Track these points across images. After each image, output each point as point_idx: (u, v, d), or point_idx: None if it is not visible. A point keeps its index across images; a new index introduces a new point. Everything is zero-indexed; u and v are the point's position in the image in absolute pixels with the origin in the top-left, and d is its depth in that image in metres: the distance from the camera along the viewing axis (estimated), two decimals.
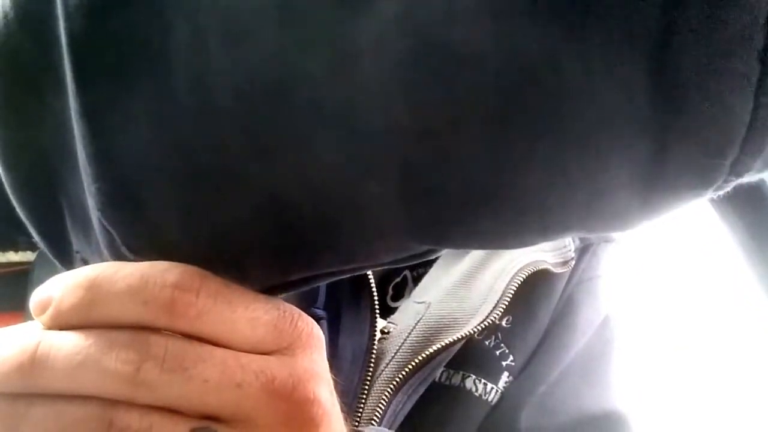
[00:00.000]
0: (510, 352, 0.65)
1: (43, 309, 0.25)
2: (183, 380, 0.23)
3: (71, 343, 0.24)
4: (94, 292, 0.24)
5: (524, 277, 0.62)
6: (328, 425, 0.26)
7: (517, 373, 0.65)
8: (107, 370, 0.23)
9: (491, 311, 0.60)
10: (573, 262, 0.66)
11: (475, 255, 0.65)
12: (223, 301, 0.25)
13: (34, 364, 0.24)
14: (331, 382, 0.28)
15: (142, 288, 0.24)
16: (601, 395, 0.65)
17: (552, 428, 0.62)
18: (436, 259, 0.68)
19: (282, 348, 0.26)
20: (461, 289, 0.63)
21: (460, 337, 0.58)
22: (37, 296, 0.25)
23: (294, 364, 0.26)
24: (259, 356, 0.25)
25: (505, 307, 0.60)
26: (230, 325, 0.25)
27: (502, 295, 0.60)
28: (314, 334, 0.28)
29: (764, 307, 0.80)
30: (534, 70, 0.19)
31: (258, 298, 0.26)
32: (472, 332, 0.59)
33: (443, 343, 0.54)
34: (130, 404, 0.23)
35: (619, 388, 0.67)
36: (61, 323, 0.25)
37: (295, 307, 0.27)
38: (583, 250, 0.72)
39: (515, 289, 0.61)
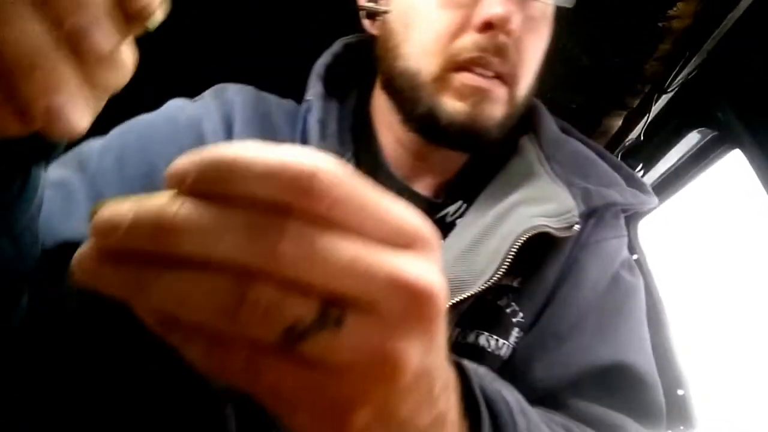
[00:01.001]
0: (520, 310, 0.70)
1: (180, 181, 0.25)
2: (316, 258, 0.24)
3: (211, 212, 0.24)
4: (235, 168, 0.24)
5: (525, 239, 0.65)
6: (440, 324, 0.28)
7: (528, 329, 0.70)
8: (246, 239, 0.24)
9: (494, 272, 0.64)
10: (578, 227, 0.69)
11: (486, 222, 0.69)
12: (357, 192, 0.25)
13: (173, 225, 0.24)
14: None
15: (283, 169, 0.24)
16: (612, 349, 0.68)
17: (565, 379, 0.66)
18: (453, 228, 0.72)
19: (405, 245, 0.27)
20: (470, 253, 0.67)
21: (465, 297, 0.63)
22: (173, 169, 0.25)
23: (417, 259, 0.26)
24: (385, 249, 0.26)
25: (507, 267, 0.64)
26: (361, 217, 0.25)
27: (504, 256, 0.64)
28: (433, 237, 0.28)
29: None
30: None
31: (384, 195, 0.26)
32: (477, 292, 0.63)
33: (449, 304, 0.55)
34: (263, 277, 0.24)
35: (630, 343, 0.70)
36: (201, 194, 0.25)
37: (413, 211, 0.28)
38: (588, 216, 0.74)
39: (516, 250, 0.64)
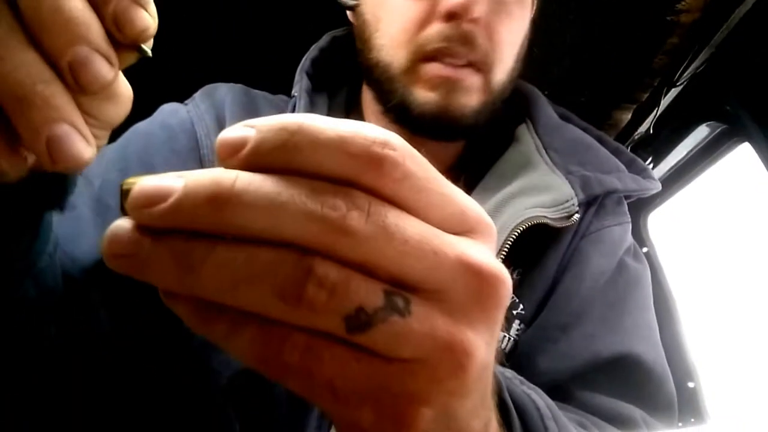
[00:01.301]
0: (520, 302, 0.68)
1: (234, 150, 0.23)
2: (385, 235, 0.22)
3: (272, 182, 0.22)
4: (300, 136, 0.23)
5: (520, 231, 0.64)
6: (504, 309, 0.26)
7: (529, 321, 0.68)
8: (313, 213, 0.22)
9: None
10: (577, 216, 0.67)
11: None
12: (423, 170, 0.24)
13: (230, 198, 0.22)
14: None
15: (352, 139, 0.23)
16: (618, 339, 0.66)
17: (569, 371, 0.64)
18: None
19: (466, 231, 0.26)
20: None
21: None
22: (227, 137, 0.23)
23: (480, 246, 0.25)
24: (450, 234, 0.25)
25: (503, 260, 0.61)
26: (427, 196, 0.24)
27: (499, 250, 0.63)
28: (490, 224, 0.27)
29: None
30: None
31: (445, 179, 0.25)
32: None
33: None
34: (327, 257, 0.22)
35: (637, 333, 0.68)
36: (258, 165, 0.23)
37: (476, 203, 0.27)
38: (589, 204, 0.72)
39: (511, 244, 0.63)
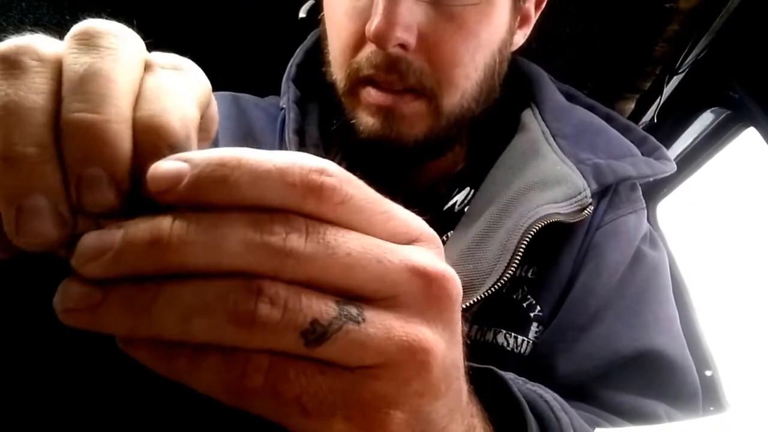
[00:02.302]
0: (537, 303, 0.65)
1: (168, 185, 0.23)
2: (327, 251, 0.23)
3: (210, 220, 0.23)
4: (239, 170, 0.23)
5: (535, 231, 0.60)
6: (458, 313, 0.27)
7: (546, 322, 0.65)
8: (253, 242, 0.22)
9: (504, 270, 0.59)
10: (591, 208, 0.64)
11: (491, 214, 0.64)
12: (361, 192, 0.25)
13: (169, 242, 0.22)
14: None
15: (290, 170, 0.23)
16: (638, 334, 0.64)
17: (591, 371, 0.62)
18: (456, 223, 0.67)
19: (411, 241, 0.27)
20: (477, 250, 0.62)
21: (476, 300, 0.59)
22: (159, 171, 0.23)
23: (426, 251, 0.27)
24: (393, 243, 0.26)
25: (518, 263, 0.60)
26: (368, 216, 0.25)
27: (513, 253, 0.60)
28: (434, 234, 0.28)
29: None
30: None
31: (385, 198, 0.27)
32: (486, 294, 0.59)
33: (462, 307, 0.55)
34: (276, 279, 0.23)
35: (657, 326, 0.66)
36: (196, 200, 0.23)
37: (412, 212, 0.28)
38: (602, 194, 0.69)
39: (526, 245, 0.60)
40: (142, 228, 0.23)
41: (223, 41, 1.25)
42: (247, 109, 0.75)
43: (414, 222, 0.27)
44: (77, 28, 0.27)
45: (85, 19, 0.28)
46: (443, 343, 0.26)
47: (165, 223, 0.22)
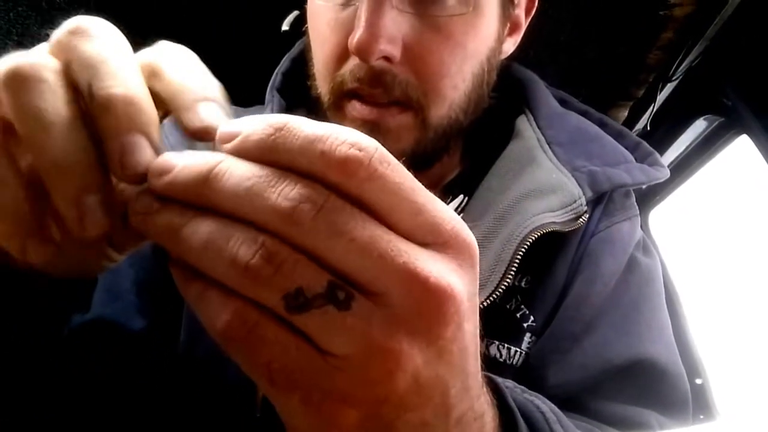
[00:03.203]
0: (531, 313, 0.64)
1: (229, 139, 0.27)
2: (331, 232, 0.24)
3: (246, 170, 0.26)
4: (281, 133, 0.25)
5: (530, 242, 0.60)
6: (458, 329, 0.26)
7: (539, 333, 0.64)
8: (267, 200, 0.25)
9: (499, 282, 0.58)
10: (586, 216, 0.63)
11: (486, 223, 0.63)
12: (394, 174, 0.26)
13: (209, 178, 0.26)
14: (476, 297, 0.28)
15: (323, 138, 0.25)
16: (629, 344, 0.63)
17: (584, 382, 0.61)
18: None
19: (437, 243, 0.26)
20: None
21: None
22: (225, 128, 0.27)
23: (441, 260, 0.26)
24: (408, 241, 0.26)
25: (513, 274, 0.59)
26: (393, 201, 0.25)
27: (509, 264, 0.59)
28: (472, 245, 0.28)
29: None
30: None
31: (427, 190, 0.27)
32: (482, 306, 0.57)
33: None
34: (282, 240, 0.25)
35: (650, 335, 0.65)
36: (243, 153, 0.26)
37: (459, 217, 0.27)
38: (597, 201, 0.68)
39: (521, 256, 0.59)
40: (196, 161, 0.26)
41: (208, 48, 1.23)
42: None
43: (448, 224, 0.27)
44: (68, 26, 0.30)
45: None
46: (420, 360, 0.26)
47: (211, 163, 0.26)
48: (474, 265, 0.28)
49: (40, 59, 0.29)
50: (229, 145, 0.27)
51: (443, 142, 0.67)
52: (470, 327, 0.28)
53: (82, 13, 0.31)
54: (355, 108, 0.60)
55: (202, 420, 0.57)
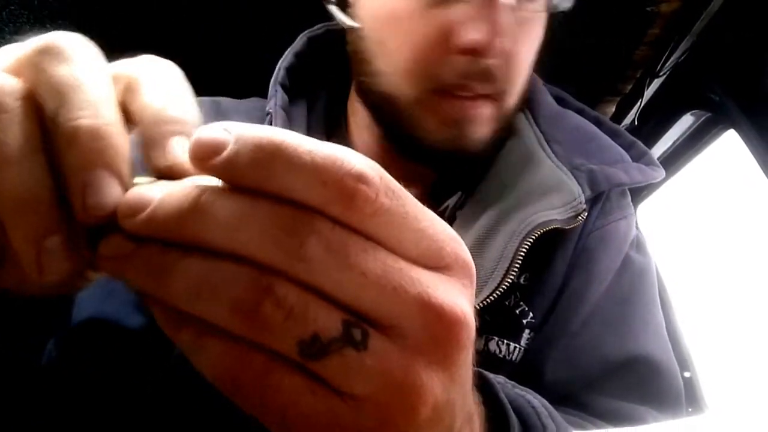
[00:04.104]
0: (529, 310, 0.65)
1: (212, 153, 0.23)
2: (343, 266, 0.22)
3: (238, 199, 0.23)
4: (277, 157, 0.22)
5: (533, 239, 0.60)
6: (469, 352, 0.26)
7: (538, 329, 0.65)
8: (272, 236, 0.22)
9: (502, 279, 0.59)
10: (585, 214, 0.64)
11: (488, 220, 0.64)
12: (399, 205, 0.24)
13: (195, 212, 0.23)
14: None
15: (326, 169, 0.22)
16: (625, 341, 0.64)
17: (579, 378, 0.62)
18: (453, 222, 0.66)
19: (441, 267, 0.25)
20: (475, 257, 0.58)
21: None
22: (208, 135, 0.23)
23: (450, 285, 0.25)
24: (417, 267, 0.24)
25: (517, 270, 0.59)
26: (398, 232, 0.24)
27: (512, 260, 0.59)
28: (469, 262, 0.27)
29: None
30: None
31: (428, 212, 0.25)
32: (484, 303, 0.58)
33: None
34: (288, 280, 0.22)
35: (644, 332, 0.66)
36: (230, 177, 0.23)
37: (455, 233, 0.26)
38: (595, 200, 0.69)
39: (525, 252, 0.60)
40: (176, 194, 0.23)
41: (208, 43, 1.24)
42: (228, 114, 0.73)
43: (448, 246, 0.26)
44: (38, 43, 0.27)
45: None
46: (439, 388, 0.25)
47: (196, 194, 0.23)
48: (473, 283, 0.27)
49: (2, 84, 0.26)
50: (213, 164, 0.23)
51: (506, 131, 0.68)
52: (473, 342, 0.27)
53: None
54: (451, 105, 0.61)
55: (203, 418, 0.57)
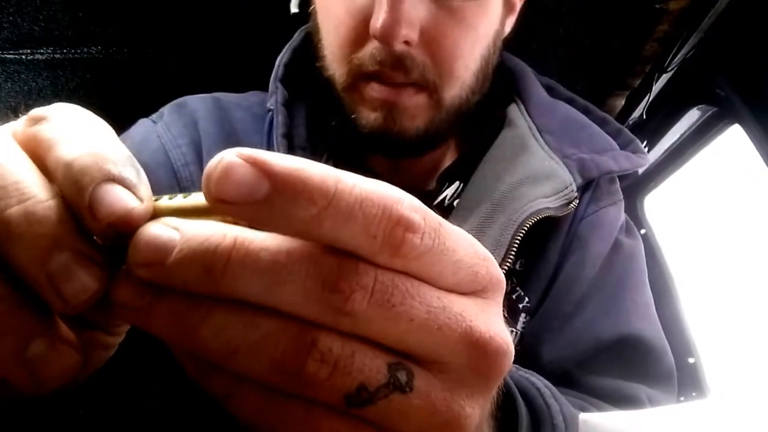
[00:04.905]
0: (525, 294, 0.67)
1: (241, 191, 0.20)
2: (389, 316, 0.22)
3: (273, 250, 0.21)
4: (325, 202, 0.20)
5: (527, 227, 0.62)
6: (505, 373, 0.26)
7: (533, 312, 0.67)
8: (313, 293, 0.21)
9: (500, 266, 0.56)
10: (577, 201, 0.66)
11: (484, 210, 0.65)
12: (440, 243, 0.23)
13: (227, 266, 0.21)
14: None
15: (376, 220, 0.21)
16: (617, 321, 0.66)
17: (574, 358, 0.64)
18: (447, 218, 0.67)
19: (476, 291, 0.25)
20: None
21: None
22: (224, 168, 0.20)
23: (489, 311, 0.25)
24: (457, 297, 0.24)
25: (513, 257, 0.61)
26: (439, 268, 0.23)
27: (507, 248, 0.61)
28: (501, 279, 0.26)
29: None
30: None
31: (462, 238, 0.24)
32: None
33: None
34: (330, 330, 0.21)
35: (635, 312, 0.68)
36: (265, 221, 0.21)
37: (488, 252, 0.26)
38: (586, 187, 0.71)
39: (520, 240, 0.61)
40: (198, 242, 0.21)
41: (208, 38, 1.23)
42: (229, 110, 0.73)
43: (483, 269, 0.25)
44: None
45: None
46: (478, 414, 0.25)
47: (225, 245, 0.21)
48: (503, 294, 0.27)
49: None
50: (243, 207, 0.20)
51: (453, 122, 0.68)
52: None
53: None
54: (374, 89, 0.62)
55: (207, 415, 0.58)
